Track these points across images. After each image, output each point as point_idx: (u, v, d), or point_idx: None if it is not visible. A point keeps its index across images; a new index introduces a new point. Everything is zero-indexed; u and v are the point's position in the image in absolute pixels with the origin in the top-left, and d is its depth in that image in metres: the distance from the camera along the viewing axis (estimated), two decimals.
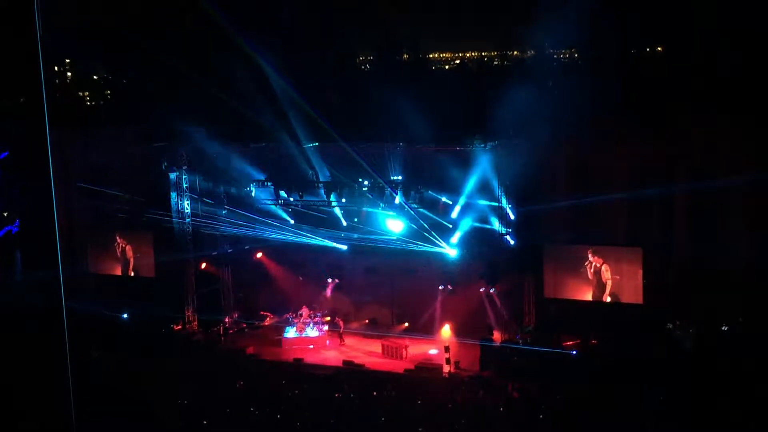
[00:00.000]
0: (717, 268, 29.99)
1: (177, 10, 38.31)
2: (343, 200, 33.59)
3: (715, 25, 32.53)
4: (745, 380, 26.09)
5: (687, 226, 30.77)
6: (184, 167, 35.52)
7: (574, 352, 30.29)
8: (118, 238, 37.42)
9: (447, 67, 41.06)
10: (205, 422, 26.31)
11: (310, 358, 32.88)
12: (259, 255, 36.96)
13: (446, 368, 30.97)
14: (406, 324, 34.79)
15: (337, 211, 34.57)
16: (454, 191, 32.38)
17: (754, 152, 29.24)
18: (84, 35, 41.69)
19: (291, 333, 34.53)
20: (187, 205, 35.68)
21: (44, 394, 27.91)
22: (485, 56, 40.73)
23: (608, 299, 31.05)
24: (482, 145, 31.08)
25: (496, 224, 32.01)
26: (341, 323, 34.80)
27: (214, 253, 36.78)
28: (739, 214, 29.89)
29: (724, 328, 29.78)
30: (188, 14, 38.43)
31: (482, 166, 31.55)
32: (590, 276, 31.33)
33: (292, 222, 35.23)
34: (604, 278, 31.21)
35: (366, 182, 32.79)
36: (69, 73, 46.91)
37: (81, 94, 46.52)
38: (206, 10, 34.26)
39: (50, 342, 31.32)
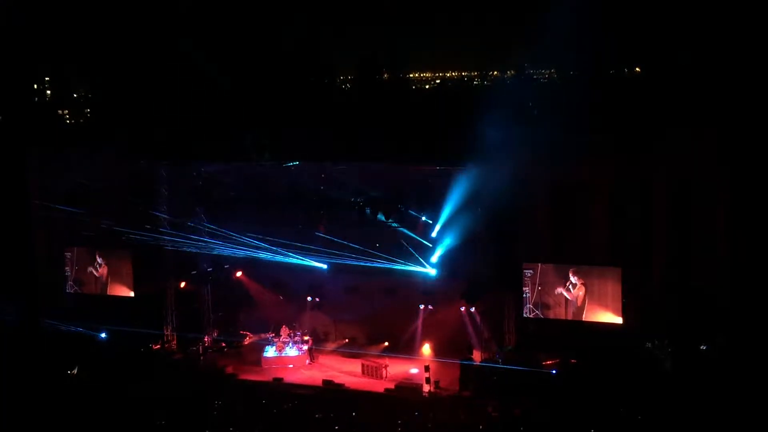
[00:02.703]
0: (696, 288, 30.13)
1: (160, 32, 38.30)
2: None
3: (690, 41, 32.80)
4: (723, 399, 26.20)
5: (666, 246, 30.88)
6: (164, 185, 35.42)
7: (554, 372, 30.30)
8: (96, 257, 37.24)
9: (427, 86, 41.16)
10: None
11: (290, 378, 32.75)
12: (239, 274, 36.87)
13: (426, 388, 30.92)
14: (386, 343, 34.72)
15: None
16: (435, 210, 32.42)
17: (733, 169, 29.44)
18: (64, 53, 41.62)
19: (270, 352, 34.43)
20: (166, 224, 35.55)
21: (21, 412, 27.79)
22: (465, 76, 40.87)
23: (583, 319, 31.20)
24: (462, 164, 31.13)
25: (476, 243, 32.04)
26: (310, 340, 34.73)
27: (193, 272, 36.64)
28: (718, 233, 30.04)
29: (703, 347, 29.87)
30: (172, 36, 38.44)
31: (462, 185, 31.62)
32: (570, 296, 31.47)
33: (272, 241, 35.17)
34: (579, 301, 31.33)
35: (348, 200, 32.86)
36: (48, 92, 46.69)
37: (60, 112, 46.29)
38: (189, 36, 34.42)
39: (27, 361, 31.25)
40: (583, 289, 31.25)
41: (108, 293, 37.26)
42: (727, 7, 30.79)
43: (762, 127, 29.06)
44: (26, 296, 35.59)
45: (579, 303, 31.29)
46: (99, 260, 37.29)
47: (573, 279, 31.37)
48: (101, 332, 35.52)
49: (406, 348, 33.99)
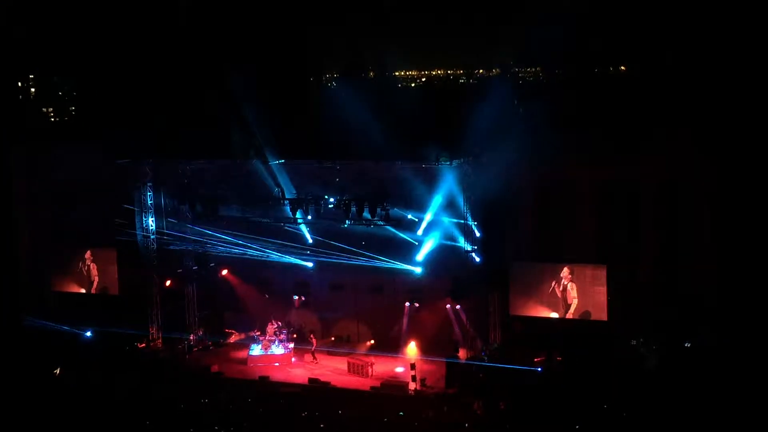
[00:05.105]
0: (681, 285, 30.29)
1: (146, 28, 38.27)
2: (309, 217, 33.51)
3: (675, 42, 32.98)
4: (707, 395, 26.36)
5: (652, 244, 31.02)
6: (149, 184, 35.30)
7: (540, 369, 30.37)
8: (81, 255, 37.10)
9: (413, 84, 41.22)
10: None
11: (276, 376, 32.70)
12: (225, 272, 36.78)
13: (412, 386, 30.92)
14: (372, 341, 34.74)
15: (303, 228, 34.49)
16: (420, 208, 32.42)
17: (719, 169, 29.57)
18: (49, 50, 41.47)
19: (256, 350, 34.38)
20: (151, 222, 35.44)
21: (5, 412, 27.66)
22: (451, 74, 40.95)
23: (571, 317, 31.32)
24: (448, 163, 31.13)
25: (461, 241, 32.08)
26: (314, 341, 34.67)
27: (179, 271, 36.51)
28: (703, 232, 30.19)
29: (687, 344, 30.03)
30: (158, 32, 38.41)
31: (448, 184, 31.63)
32: (558, 294, 31.59)
33: (258, 239, 35.11)
34: (569, 297, 31.46)
35: (331, 199, 32.78)
36: (33, 89, 46.52)
37: (45, 109, 46.14)
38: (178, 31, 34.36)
39: (10, 360, 31.06)
40: (573, 287, 31.35)
41: (93, 292, 37.16)
42: (714, 8, 30.99)
43: (748, 128, 29.22)
44: (8, 295, 35.46)
45: (570, 301, 31.40)
46: (84, 259, 37.15)
47: (562, 276, 31.47)
48: (86, 331, 35.40)
49: (392, 346, 33.99)
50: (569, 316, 31.46)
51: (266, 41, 38.42)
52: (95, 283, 37.10)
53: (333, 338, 35.72)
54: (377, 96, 36.76)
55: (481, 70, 39.66)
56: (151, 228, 35.45)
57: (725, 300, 29.63)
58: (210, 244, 35.37)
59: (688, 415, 25.56)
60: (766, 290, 28.87)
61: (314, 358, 34.25)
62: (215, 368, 33.50)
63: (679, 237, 30.63)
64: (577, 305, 31.36)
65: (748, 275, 29.20)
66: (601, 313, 31.01)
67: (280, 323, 34.90)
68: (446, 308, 32.94)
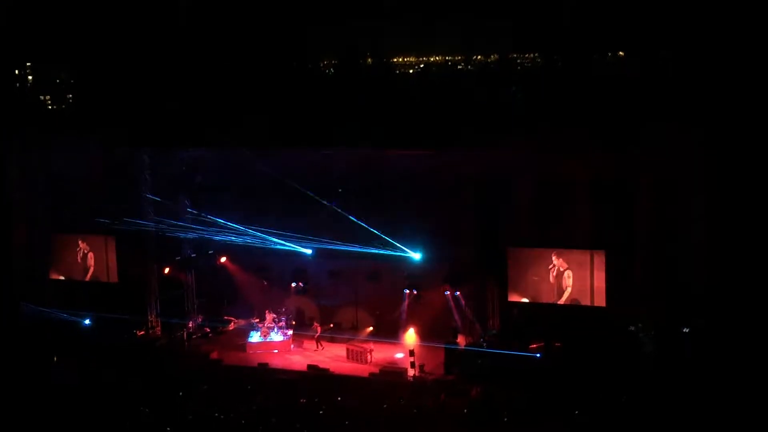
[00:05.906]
0: (679, 271, 30.26)
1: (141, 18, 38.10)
2: (308, 204, 33.49)
3: (672, 36, 32.86)
4: (705, 381, 26.41)
5: (650, 229, 30.97)
6: (147, 171, 35.27)
7: (538, 355, 30.42)
8: (80, 242, 37.09)
9: (411, 71, 41.03)
10: (168, 429, 26.18)
11: (275, 363, 32.79)
12: (223, 259, 36.80)
13: (411, 372, 31.01)
14: (371, 328, 34.78)
15: (301, 215, 34.46)
16: (419, 195, 32.40)
17: (714, 162, 29.53)
18: (47, 38, 41.32)
19: (255, 337, 34.46)
20: (150, 210, 35.42)
21: (4, 401, 27.72)
22: (449, 60, 40.76)
23: (566, 303, 31.33)
24: (445, 149, 31.08)
25: (460, 228, 32.06)
26: (319, 328, 34.71)
27: (177, 258, 36.52)
28: (701, 219, 30.16)
29: (686, 330, 30.05)
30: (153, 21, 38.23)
31: (446, 169, 31.60)
32: (552, 280, 31.59)
33: (257, 226, 35.10)
34: (564, 284, 31.44)
35: (330, 186, 32.80)
36: (30, 77, 46.36)
37: (42, 98, 45.98)
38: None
39: (9, 349, 31.12)
40: (570, 275, 31.35)
41: (91, 279, 37.13)
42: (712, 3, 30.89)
43: (741, 121, 29.17)
44: (5, 284, 35.46)
45: (564, 286, 31.41)
46: (82, 246, 37.13)
47: (555, 262, 31.47)
48: (85, 319, 35.41)
49: (390, 332, 34.03)
50: (561, 302, 31.43)
51: (264, 30, 38.28)
52: (93, 271, 37.06)
53: (332, 325, 35.77)
54: (375, 83, 36.75)
55: (479, 56, 39.48)
56: (149, 215, 35.44)
57: (719, 286, 29.62)
58: (208, 231, 35.36)
59: (686, 402, 25.63)
60: (763, 284, 28.88)
61: (318, 345, 34.30)
62: (214, 355, 33.57)
63: (676, 229, 30.57)
64: (571, 292, 31.36)
65: (745, 270, 29.19)
66: (598, 300, 30.98)
67: (280, 311, 35.01)
68: (445, 295, 32.98)
